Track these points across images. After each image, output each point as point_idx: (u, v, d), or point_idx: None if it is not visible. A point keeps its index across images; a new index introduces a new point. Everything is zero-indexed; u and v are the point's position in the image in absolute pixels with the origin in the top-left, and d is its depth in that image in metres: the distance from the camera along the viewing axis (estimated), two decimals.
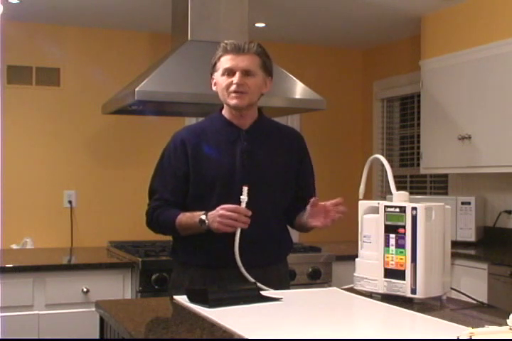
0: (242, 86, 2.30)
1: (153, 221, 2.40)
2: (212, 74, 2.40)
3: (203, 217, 2.24)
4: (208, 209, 2.27)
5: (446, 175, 4.83)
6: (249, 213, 2.19)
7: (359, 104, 5.72)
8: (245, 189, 2.20)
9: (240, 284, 2.14)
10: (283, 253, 2.51)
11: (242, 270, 2.21)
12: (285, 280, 2.49)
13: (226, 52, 2.33)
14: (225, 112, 2.42)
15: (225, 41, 2.37)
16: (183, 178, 2.35)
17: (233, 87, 2.30)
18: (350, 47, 5.61)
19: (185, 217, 2.31)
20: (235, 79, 2.30)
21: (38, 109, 4.78)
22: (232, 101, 2.32)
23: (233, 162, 2.33)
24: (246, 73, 2.31)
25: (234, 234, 2.23)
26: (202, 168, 2.33)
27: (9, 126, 4.52)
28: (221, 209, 2.19)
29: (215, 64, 2.36)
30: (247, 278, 2.21)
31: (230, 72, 2.31)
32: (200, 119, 4.62)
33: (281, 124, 2.60)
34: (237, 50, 2.32)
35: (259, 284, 2.19)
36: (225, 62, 2.32)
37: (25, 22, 4.68)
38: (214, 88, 2.40)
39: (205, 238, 2.32)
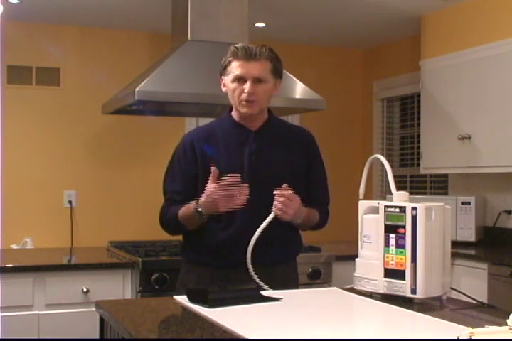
0: (253, 94, 2.30)
1: (163, 220, 2.43)
2: (222, 75, 2.38)
3: (198, 208, 2.26)
4: None
5: (446, 175, 4.83)
6: (243, 182, 2.21)
7: (359, 104, 5.72)
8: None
9: (240, 284, 2.14)
10: (291, 254, 2.50)
11: (250, 269, 2.22)
12: (292, 282, 2.47)
13: (236, 57, 2.30)
14: (234, 113, 2.42)
15: (236, 45, 2.34)
16: (192, 179, 2.36)
17: (244, 96, 2.29)
18: (350, 47, 5.61)
19: (183, 210, 2.33)
20: (247, 87, 2.28)
21: (38, 109, 4.78)
22: (243, 110, 2.33)
23: (241, 163, 2.33)
24: (257, 81, 2.30)
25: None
26: (210, 170, 2.32)
27: (9, 126, 4.52)
28: (214, 191, 2.21)
29: (225, 67, 2.34)
30: (254, 279, 2.21)
31: (240, 79, 2.30)
32: (200, 119, 4.63)
33: (291, 124, 2.61)
34: (248, 56, 2.29)
35: (261, 283, 2.19)
36: (236, 68, 2.30)
37: (25, 22, 4.68)
38: (223, 89, 2.39)
39: (215, 237, 2.33)
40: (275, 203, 2.21)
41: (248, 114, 2.34)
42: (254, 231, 2.22)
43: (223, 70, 2.36)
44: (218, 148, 2.36)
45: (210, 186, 2.23)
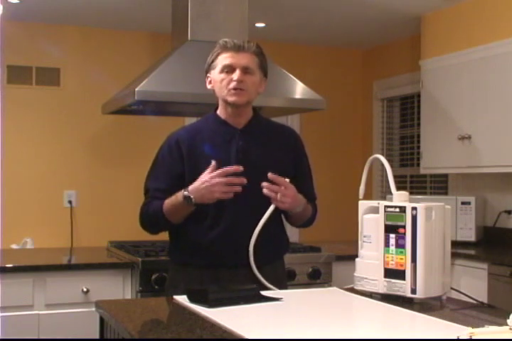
0: (242, 83, 2.29)
1: (144, 216, 2.42)
2: (207, 73, 2.39)
3: (186, 193, 2.23)
4: (206, 208, 2.27)
5: (446, 175, 4.83)
6: (241, 169, 2.18)
7: (359, 104, 5.72)
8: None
9: (240, 284, 2.14)
10: (279, 252, 2.50)
11: (254, 268, 2.22)
12: (282, 280, 2.47)
13: (225, 49, 2.32)
14: (220, 111, 2.41)
15: (224, 39, 2.36)
16: (177, 178, 2.35)
17: (233, 84, 2.29)
18: (350, 47, 5.61)
19: (169, 200, 2.31)
20: (235, 75, 2.29)
21: (38, 109, 4.78)
22: (232, 98, 2.31)
23: (228, 161, 2.32)
24: (245, 71, 2.31)
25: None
26: (197, 168, 2.31)
27: (9, 126, 4.52)
28: (211, 178, 2.18)
29: (212, 62, 2.36)
30: (258, 277, 2.22)
31: (229, 69, 2.30)
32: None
33: (277, 123, 2.59)
34: (237, 48, 2.32)
35: (265, 282, 2.20)
36: (225, 59, 2.31)
37: (25, 22, 4.68)
38: (209, 86, 2.39)
39: (202, 237, 2.33)
40: (266, 192, 2.18)
41: (236, 103, 2.33)
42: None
43: (210, 65, 2.37)
44: (204, 147, 2.36)
45: (207, 174, 2.21)
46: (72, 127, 4.84)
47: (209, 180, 2.19)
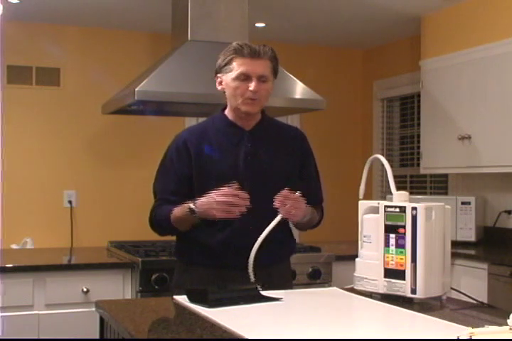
0: (258, 93, 2.28)
1: (154, 221, 2.41)
2: (218, 73, 2.36)
3: (192, 206, 2.23)
4: None
5: (446, 175, 4.83)
6: (248, 197, 2.16)
7: (359, 104, 5.72)
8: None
9: (240, 284, 2.14)
10: (286, 253, 2.50)
11: (251, 271, 2.21)
12: (288, 281, 2.48)
13: (242, 55, 2.28)
14: (228, 112, 2.40)
15: (239, 43, 2.32)
16: (185, 179, 2.35)
17: (248, 94, 2.28)
18: (350, 47, 5.61)
19: (176, 209, 2.30)
20: (252, 86, 2.27)
21: (38, 109, 4.78)
22: (245, 108, 2.31)
23: (236, 163, 2.32)
24: (261, 79, 2.29)
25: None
26: (205, 169, 2.32)
27: (9, 126, 4.52)
28: (217, 196, 2.18)
29: (226, 65, 2.31)
30: (250, 278, 2.21)
31: (245, 77, 2.28)
32: (200, 119, 4.63)
33: (284, 124, 2.59)
34: (253, 55, 2.28)
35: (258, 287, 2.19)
36: (240, 66, 2.28)
37: (25, 22, 4.68)
38: (219, 87, 2.37)
39: (211, 238, 2.33)
40: (278, 206, 2.17)
41: (249, 113, 2.33)
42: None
43: (222, 68, 2.33)
44: (212, 148, 2.35)
45: (226, 190, 2.18)
46: (72, 127, 4.84)
47: (214, 197, 2.18)
